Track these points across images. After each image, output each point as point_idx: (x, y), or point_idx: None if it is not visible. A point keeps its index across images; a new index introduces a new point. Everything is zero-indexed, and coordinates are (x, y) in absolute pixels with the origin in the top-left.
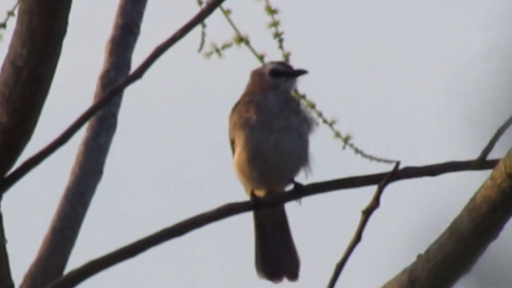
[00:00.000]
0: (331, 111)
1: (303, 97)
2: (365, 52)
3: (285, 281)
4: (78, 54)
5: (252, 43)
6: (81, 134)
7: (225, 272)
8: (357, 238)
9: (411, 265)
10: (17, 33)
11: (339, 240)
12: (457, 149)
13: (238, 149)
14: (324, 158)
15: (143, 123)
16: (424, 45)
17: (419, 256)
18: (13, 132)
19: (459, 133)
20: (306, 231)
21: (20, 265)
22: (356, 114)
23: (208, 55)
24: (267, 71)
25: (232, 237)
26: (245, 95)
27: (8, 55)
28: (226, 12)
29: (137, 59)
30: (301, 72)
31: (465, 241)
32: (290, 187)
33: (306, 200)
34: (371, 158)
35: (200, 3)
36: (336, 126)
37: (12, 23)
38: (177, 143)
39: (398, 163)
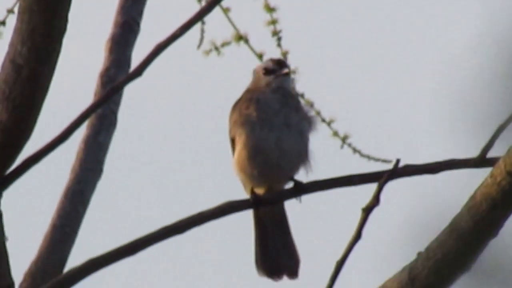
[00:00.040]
0: (330, 110)
1: (302, 95)
2: (364, 51)
3: (285, 279)
4: (78, 52)
5: (251, 41)
6: (81, 132)
7: (225, 270)
8: (357, 236)
9: (411, 263)
10: (17, 31)
11: (339, 238)
12: (457, 147)
13: (238, 146)
14: (322, 157)
15: (143, 121)
16: (423, 43)
17: (419, 254)
18: (13, 130)
19: (459, 131)
20: (306, 229)
21: (20, 263)
22: (354, 113)
23: (208, 53)
24: (261, 69)
25: (232, 235)
26: (246, 92)
27: (8, 53)
28: (226, 10)
29: (137, 57)
30: (285, 70)
31: (465, 239)
32: (290, 185)
33: (306, 198)
34: (368, 157)
35: (199, 1)
36: (334, 125)
37: (12, 21)
38: (177, 141)
39: (398, 161)
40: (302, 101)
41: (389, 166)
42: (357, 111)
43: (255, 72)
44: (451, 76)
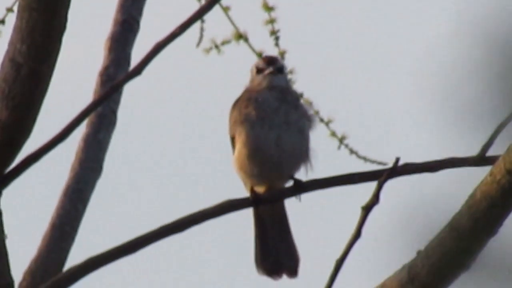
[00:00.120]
0: (328, 110)
1: (301, 95)
2: (362, 50)
3: (285, 277)
4: (78, 51)
5: (251, 39)
6: (81, 131)
7: (224, 269)
8: (357, 234)
9: (411, 261)
10: (16, 30)
11: (339, 237)
12: (457, 145)
13: (238, 145)
14: (320, 157)
15: (143, 120)
16: (423, 42)
17: (418, 253)
18: (13, 129)
19: (458, 130)
20: (305, 228)
21: (20, 262)
22: (352, 113)
23: (208, 51)
24: (254, 67)
25: (231, 234)
26: (245, 91)
27: (7, 52)
28: (226, 9)
29: (136, 56)
30: (269, 70)
31: (464, 238)
32: (289, 184)
33: (305, 196)
34: (365, 159)
35: None
36: (332, 125)
37: (12, 19)
38: (177, 140)
39: (397, 159)
40: (301, 99)
41: (386, 167)
42: (355, 111)
43: (251, 71)
44: (451, 75)
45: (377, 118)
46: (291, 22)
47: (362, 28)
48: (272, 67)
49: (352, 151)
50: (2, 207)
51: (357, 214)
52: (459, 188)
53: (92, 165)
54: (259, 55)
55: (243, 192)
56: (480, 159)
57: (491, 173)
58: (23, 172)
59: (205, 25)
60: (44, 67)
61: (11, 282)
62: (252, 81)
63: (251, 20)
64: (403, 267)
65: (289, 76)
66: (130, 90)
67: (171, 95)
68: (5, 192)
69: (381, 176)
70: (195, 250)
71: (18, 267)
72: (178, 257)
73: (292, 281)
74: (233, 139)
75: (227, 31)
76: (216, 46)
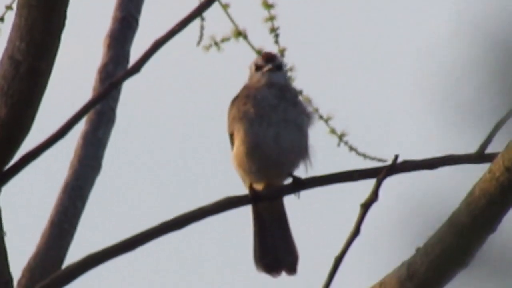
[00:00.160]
0: (327, 107)
1: (300, 92)
2: (362, 47)
3: (284, 275)
4: (77, 48)
5: (251, 37)
6: (80, 128)
7: (223, 266)
8: (356, 231)
9: (410, 258)
10: (15, 27)
11: (338, 234)
12: (456, 142)
13: (236, 142)
14: (319, 154)
15: (142, 117)
16: (422, 40)
17: (417, 250)
18: (12, 126)
19: (458, 127)
20: (304, 225)
21: (19, 259)
22: (352, 110)
23: (207, 48)
24: (253, 65)
25: (230, 231)
26: (244, 88)
27: (6, 49)
28: (225, 6)
29: (135, 53)
30: (268, 67)
31: (463, 235)
32: (288, 181)
33: (304, 193)
34: (364, 156)
35: None
36: (332, 123)
37: (11, 17)
38: (176, 137)
39: (396, 156)
40: (300, 97)
41: (387, 163)
42: (355, 108)
43: (250, 68)
44: (451, 72)
45: (377, 115)
46: (290, 19)
47: (361, 25)
48: (271, 64)
49: (351, 148)
50: (1, 204)
51: (356, 211)
52: (458, 185)
53: (91, 162)
54: (258, 52)
55: (242, 189)
56: (479, 156)
57: (490, 170)
58: (22, 169)
59: (204, 23)
60: (43, 65)
61: (10, 279)
62: (251, 78)
63: (251, 18)
64: (402, 264)
65: (289, 73)
66: (129, 88)
67: (170, 92)
68: (4, 189)
69: (380, 173)
70: (194, 247)
71: (17, 264)
72: (177, 254)
73: (291, 278)
74: (231, 136)
75: (227, 29)
76: (216, 44)
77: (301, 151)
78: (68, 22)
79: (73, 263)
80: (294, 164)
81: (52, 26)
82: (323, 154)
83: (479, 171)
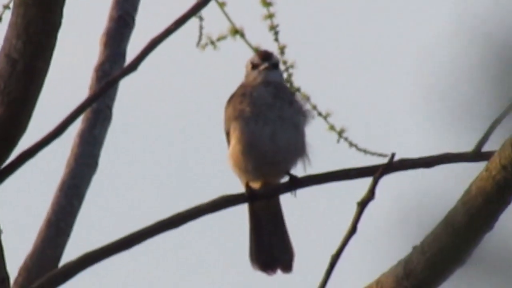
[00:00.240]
0: (326, 104)
1: (298, 89)
2: (361, 44)
3: (279, 273)
4: (73, 47)
5: (249, 35)
6: (76, 126)
7: (219, 263)
8: (352, 230)
9: (406, 257)
10: (12, 25)
11: (334, 232)
12: (452, 141)
13: (232, 141)
14: (319, 151)
15: (138, 115)
16: (421, 37)
17: (414, 248)
18: (8, 124)
19: (454, 125)
20: (301, 223)
21: (15, 257)
22: (351, 107)
23: (204, 47)
24: (249, 63)
25: (227, 229)
26: (240, 87)
27: (3, 48)
28: (221, 4)
29: (132, 52)
30: (264, 65)
31: (460, 233)
32: (285, 179)
33: (301, 192)
34: (365, 151)
35: None
36: (331, 119)
37: (8, 16)
38: (172, 135)
39: (393, 154)
40: (296, 95)
41: (386, 160)
42: (354, 105)
43: (246, 66)
44: (448, 71)
45: (374, 113)
46: (288, 16)
47: (360, 23)
48: (267, 63)
49: (351, 144)
50: None
51: (353, 209)
52: (454, 183)
53: (87, 160)
54: (256, 50)
55: (238, 188)
56: (476, 155)
57: (486, 169)
58: (19, 168)
59: (202, 22)
60: (39, 63)
61: (7, 277)
62: (247, 76)
63: (248, 16)
64: (399, 263)
65: (289, 70)
66: (126, 86)
67: (166, 91)
68: (0, 187)
69: (376, 171)
70: (190, 246)
71: (14, 263)
72: (173, 253)
73: (287, 276)
74: (228, 135)
75: (224, 27)
76: (212, 42)
77: (298, 150)
78: (64, 20)
79: (69, 262)
80: (291, 163)
81: (48, 25)
82: (323, 151)
83: (475, 169)
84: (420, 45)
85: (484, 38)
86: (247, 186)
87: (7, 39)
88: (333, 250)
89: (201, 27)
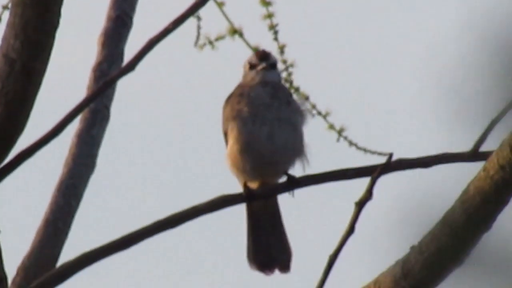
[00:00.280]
0: (325, 103)
1: (297, 89)
2: (360, 44)
3: (277, 273)
4: (71, 47)
5: (248, 35)
6: (74, 126)
7: (217, 263)
8: (350, 230)
9: (404, 257)
10: (10, 25)
11: (332, 232)
12: (450, 140)
13: (230, 141)
14: (318, 150)
15: (136, 115)
16: (420, 36)
17: (412, 248)
18: (6, 124)
19: (452, 125)
20: (299, 223)
21: (13, 257)
22: (350, 106)
23: (202, 47)
24: (247, 63)
25: (224, 229)
26: (238, 87)
27: (1, 48)
28: (220, 4)
29: (130, 52)
30: (262, 65)
31: (458, 233)
32: (283, 179)
33: (299, 192)
34: (365, 150)
35: None
36: (330, 118)
37: (6, 16)
38: (170, 135)
39: (391, 154)
40: (294, 95)
41: (384, 159)
42: (353, 104)
43: (244, 66)
44: (446, 70)
45: (373, 113)
46: (287, 16)
47: (359, 22)
48: (265, 63)
49: (351, 143)
50: None
51: (351, 209)
52: (452, 183)
53: (85, 160)
54: (255, 50)
55: (236, 188)
56: (474, 155)
57: (484, 169)
58: (17, 168)
59: (200, 22)
60: (37, 63)
61: (5, 277)
62: (245, 76)
63: (246, 15)
64: (397, 263)
65: (289, 70)
66: (124, 86)
67: (164, 91)
68: None
69: (374, 171)
70: (188, 246)
71: (12, 263)
72: (171, 252)
73: (285, 276)
74: (226, 135)
75: (222, 27)
76: (210, 42)
77: (296, 150)
78: (62, 20)
79: (67, 262)
80: (288, 163)
81: (46, 25)
82: (322, 150)
83: (473, 169)
84: (419, 46)
85: (482, 39)
86: (245, 186)
87: (5, 39)
88: (331, 250)
89: (199, 27)
